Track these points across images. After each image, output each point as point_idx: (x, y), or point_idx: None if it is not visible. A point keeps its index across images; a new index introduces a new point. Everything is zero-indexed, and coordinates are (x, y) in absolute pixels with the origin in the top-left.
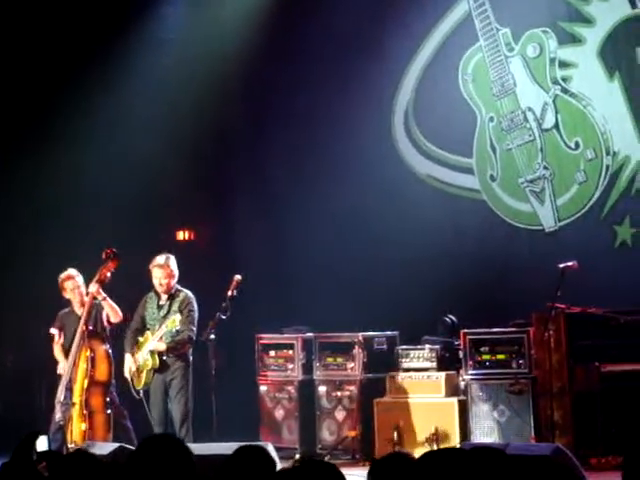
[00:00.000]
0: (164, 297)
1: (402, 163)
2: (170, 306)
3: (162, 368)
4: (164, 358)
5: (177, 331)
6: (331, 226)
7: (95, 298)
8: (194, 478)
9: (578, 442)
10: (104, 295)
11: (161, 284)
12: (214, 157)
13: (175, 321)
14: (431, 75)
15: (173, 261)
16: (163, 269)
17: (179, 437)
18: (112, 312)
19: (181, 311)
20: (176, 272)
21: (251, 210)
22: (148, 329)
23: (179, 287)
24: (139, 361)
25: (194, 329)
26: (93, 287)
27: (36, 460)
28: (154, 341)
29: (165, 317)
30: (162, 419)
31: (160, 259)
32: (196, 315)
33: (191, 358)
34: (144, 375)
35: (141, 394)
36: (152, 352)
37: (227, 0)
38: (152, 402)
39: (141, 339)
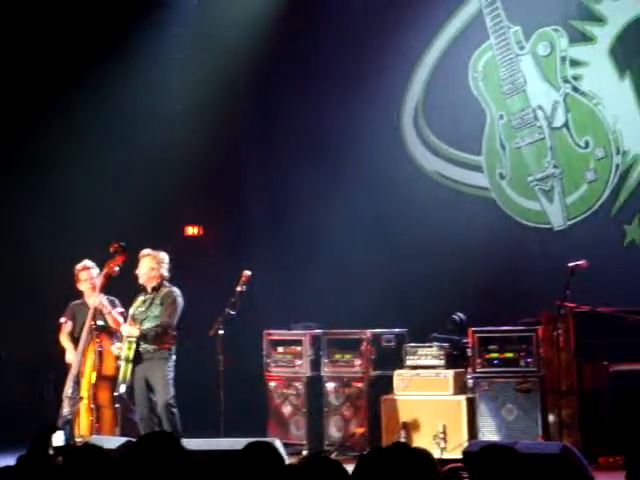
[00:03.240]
0: (149, 291)
1: (411, 161)
2: (153, 299)
3: (138, 359)
4: (141, 349)
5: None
6: (340, 223)
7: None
8: (189, 476)
9: (586, 441)
10: (109, 309)
11: (140, 273)
12: (223, 153)
13: (137, 304)
14: (441, 73)
15: (160, 256)
16: (144, 258)
17: (165, 427)
18: (114, 324)
19: (163, 303)
20: (160, 268)
21: (260, 206)
22: None
23: (166, 283)
24: (118, 350)
25: (171, 322)
26: (95, 300)
27: (53, 454)
28: (126, 325)
29: (147, 309)
30: (146, 415)
31: (147, 250)
32: (178, 308)
33: (173, 355)
34: (122, 367)
35: (121, 389)
36: (129, 342)
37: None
38: (136, 399)
39: None
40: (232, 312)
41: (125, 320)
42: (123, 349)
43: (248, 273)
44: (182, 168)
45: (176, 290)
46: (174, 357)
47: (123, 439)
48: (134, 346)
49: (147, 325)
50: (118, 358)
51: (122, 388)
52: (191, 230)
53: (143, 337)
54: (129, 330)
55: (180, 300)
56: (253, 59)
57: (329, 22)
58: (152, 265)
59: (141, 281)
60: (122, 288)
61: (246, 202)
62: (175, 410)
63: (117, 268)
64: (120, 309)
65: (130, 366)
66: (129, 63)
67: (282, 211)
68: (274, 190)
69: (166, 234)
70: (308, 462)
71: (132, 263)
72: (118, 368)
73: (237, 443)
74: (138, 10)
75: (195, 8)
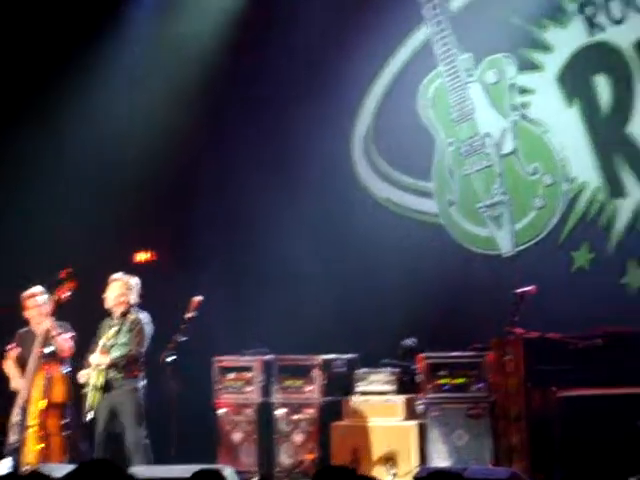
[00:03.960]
0: (117, 316)
1: (361, 187)
2: (121, 325)
3: (107, 388)
4: (109, 378)
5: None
6: (290, 249)
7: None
8: None
9: (535, 467)
10: (58, 331)
11: (108, 297)
12: (175, 177)
13: (109, 335)
14: (391, 99)
15: (132, 282)
16: (116, 282)
17: (135, 460)
18: (61, 350)
19: (131, 330)
20: (129, 294)
21: (211, 231)
22: None
23: (135, 309)
24: (85, 378)
25: (141, 350)
26: (47, 323)
27: None
28: (96, 354)
29: (116, 336)
30: (102, 444)
31: (118, 274)
32: (146, 336)
33: (142, 382)
34: (90, 394)
35: (89, 415)
36: (99, 370)
37: (189, 19)
38: (96, 425)
39: None
40: (182, 338)
41: (75, 345)
42: (92, 377)
43: (198, 299)
44: (132, 190)
45: (145, 317)
46: (142, 383)
47: (71, 467)
48: (103, 374)
49: (115, 352)
50: (85, 386)
51: (90, 415)
52: (141, 256)
53: (113, 366)
54: (99, 359)
55: (149, 327)
56: (204, 82)
57: (278, 48)
58: (122, 290)
59: (107, 305)
60: (72, 314)
61: (197, 228)
62: (147, 446)
63: (66, 294)
64: (70, 334)
65: (99, 394)
66: (80, 86)
67: (233, 237)
68: (225, 215)
69: (116, 260)
70: None
71: (84, 289)
72: (68, 395)
73: (187, 471)
74: (95, 25)
75: (152, 25)
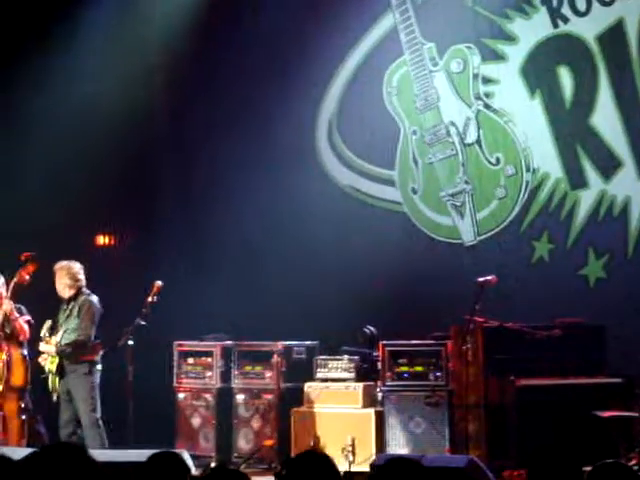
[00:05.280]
0: (66, 301)
1: (325, 174)
2: (71, 310)
3: (62, 373)
4: (63, 363)
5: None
6: (253, 235)
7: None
8: None
9: (492, 454)
10: (16, 315)
11: (57, 287)
12: (137, 162)
13: (48, 323)
14: (356, 87)
15: (69, 267)
16: (58, 272)
17: (88, 444)
18: (20, 332)
19: (79, 314)
20: (72, 279)
21: (173, 216)
22: None
23: (84, 291)
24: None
25: (88, 333)
26: (7, 305)
27: None
28: (42, 343)
29: (66, 321)
30: (66, 423)
31: (60, 263)
32: (94, 318)
33: (97, 366)
34: (50, 378)
35: (54, 397)
36: (52, 356)
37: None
38: (60, 406)
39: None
40: (143, 322)
41: (31, 328)
42: (47, 362)
43: (159, 283)
44: (94, 177)
45: (92, 299)
46: (98, 367)
47: (29, 450)
48: (57, 360)
49: (65, 338)
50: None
51: (54, 397)
52: (102, 239)
53: (61, 353)
54: (44, 347)
55: (95, 309)
56: (167, 70)
57: (248, 28)
58: (64, 280)
59: (59, 294)
60: (31, 297)
61: (158, 212)
62: (101, 430)
63: (28, 277)
64: (27, 317)
65: (57, 378)
66: (43, 73)
67: (194, 222)
68: (187, 201)
69: (78, 243)
70: (213, 474)
71: (45, 273)
72: (27, 378)
73: (144, 455)
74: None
75: (112, 10)
